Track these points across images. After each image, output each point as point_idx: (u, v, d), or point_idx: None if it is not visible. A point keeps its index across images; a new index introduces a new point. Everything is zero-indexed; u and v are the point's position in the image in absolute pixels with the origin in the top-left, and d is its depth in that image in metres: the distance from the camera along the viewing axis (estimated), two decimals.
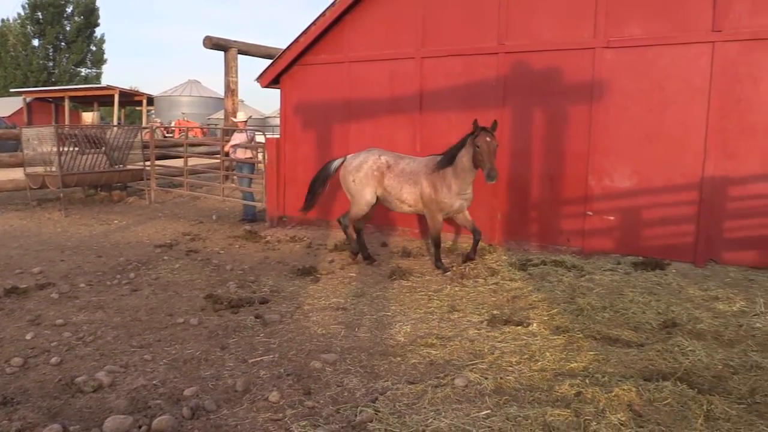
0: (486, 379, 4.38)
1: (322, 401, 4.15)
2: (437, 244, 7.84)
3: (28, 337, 5.37)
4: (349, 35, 10.17)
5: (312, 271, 7.65)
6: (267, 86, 11.08)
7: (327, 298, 6.58)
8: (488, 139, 6.92)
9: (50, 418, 3.97)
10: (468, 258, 7.83)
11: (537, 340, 5.19)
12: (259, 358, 4.91)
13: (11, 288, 6.78)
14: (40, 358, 4.94)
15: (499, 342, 5.19)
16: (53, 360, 4.84)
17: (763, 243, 7.45)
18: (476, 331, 5.47)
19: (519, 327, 5.50)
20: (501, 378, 4.41)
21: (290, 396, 4.22)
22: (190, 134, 25.39)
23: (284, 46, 10.75)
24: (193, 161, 15.83)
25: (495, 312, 5.96)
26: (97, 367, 4.74)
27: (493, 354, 4.92)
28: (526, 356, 4.84)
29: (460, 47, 9.19)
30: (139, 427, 3.82)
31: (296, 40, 10.45)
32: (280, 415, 3.97)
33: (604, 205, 8.31)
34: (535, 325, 5.52)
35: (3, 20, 54.13)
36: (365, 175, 7.99)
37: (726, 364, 4.62)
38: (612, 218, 8.26)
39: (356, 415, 3.91)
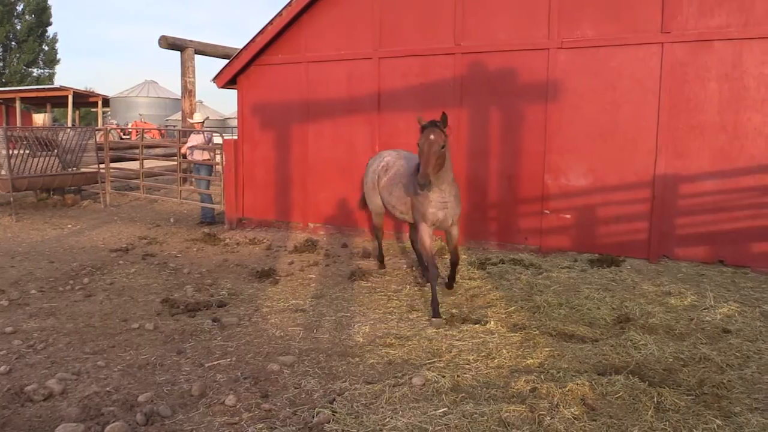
0: (443, 377, 4.41)
1: (279, 403, 4.12)
2: (422, 260, 7.07)
3: None
4: (306, 35, 10.12)
5: (271, 273, 7.59)
6: (224, 87, 10.96)
7: (286, 300, 6.54)
8: (431, 137, 5.62)
9: None
10: (448, 287, 6.76)
11: (494, 337, 5.24)
12: (216, 362, 4.84)
13: None
14: None
15: (457, 340, 5.23)
16: (1, 369, 4.69)
17: (713, 239, 7.68)
18: (434, 330, 5.50)
19: (477, 325, 5.55)
20: (458, 376, 4.45)
21: (247, 399, 4.17)
22: (148, 136, 24.95)
23: (241, 47, 10.64)
24: (149, 163, 15.54)
25: (453, 311, 6.01)
26: (48, 375, 4.62)
27: (450, 352, 4.96)
28: (483, 354, 4.89)
29: (417, 47, 9.24)
30: None
31: (253, 40, 10.36)
32: (237, 418, 3.92)
33: (561, 204, 8.45)
34: (492, 323, 5.57)
35: None
36: (370, 180, 7.43)
37: (676, 357, 4.75)
38: (568, 216, 8.41)
39: (313, 417, 3.89)
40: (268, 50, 10.44)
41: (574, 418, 3.74)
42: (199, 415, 3.99)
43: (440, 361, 4.74)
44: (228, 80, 10.80)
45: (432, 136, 5.61)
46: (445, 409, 3.94)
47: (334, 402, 4.09)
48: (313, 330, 5.59)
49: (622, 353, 4.82)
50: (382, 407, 4.00)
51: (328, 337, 5.41)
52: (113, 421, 3.85)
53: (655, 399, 3.96)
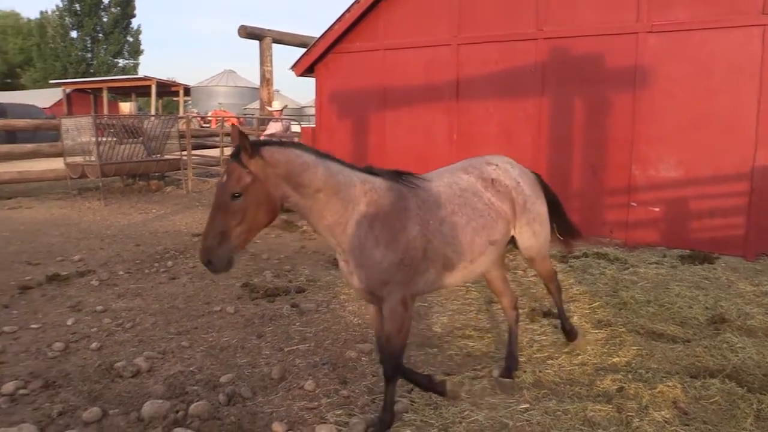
0: (524, 372, 4.28)
1: (357, 390, 4.11)
2: None
3: (69, 322, 5.45)
4: (384, 22, 10.06)
5: None
6: (302, 75, 11.05)
7: None
8: (223, 179, 3.29)
9: (91, 401, 4.01)
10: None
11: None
12: (294, 347, 4.88)
13: (53, 275, 6.90)
14: (80, 343, 5.01)
15: (538, 335, 5.08)
16: (93, 345, 4.90)
17: None
18: None
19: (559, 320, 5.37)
20: (540, 372, 4.31)
21: (326, 385, 4.19)
22: (227, 124, 25.64)
23: (319, 35, 10.70)
24: (229, 151, 15.93)
25: (534, 304, 5.83)
26: (135, 352, 4.78)
27: (531, 347, 4.81)
28: (566, 350, 4.72)
29: (498, 33, 9.00)
30: (177, 412, 3.84)
31: (330, 28, 10.39)
32: (316, 403, 3.94)
33: (649, 196, 8.07)
34: (575, 318, 5.37)
35: (42, 12, 55.38)
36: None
37: None
38: (657, 209, 8.02)
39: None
40: (345, 38, 10.45)
41: (665, 422, 3.55)
42: (278, 398, 4.03)
43: (521, 355, 4.60)
44: (306, 68, 10.89)
45: (224, 179, 3.27)
46: (527, 405, 3.82)
47: (412, 392, 4.04)
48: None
49: (717, 356, 4.53)
50: (462, 399, 3.92)
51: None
52: (197, 400, 3.95)
53: (754, 406, 3.70)
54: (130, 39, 58.81)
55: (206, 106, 38.60)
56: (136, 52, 59.50)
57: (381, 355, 3.64)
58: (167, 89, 38.06)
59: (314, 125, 11.27)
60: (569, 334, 4.70)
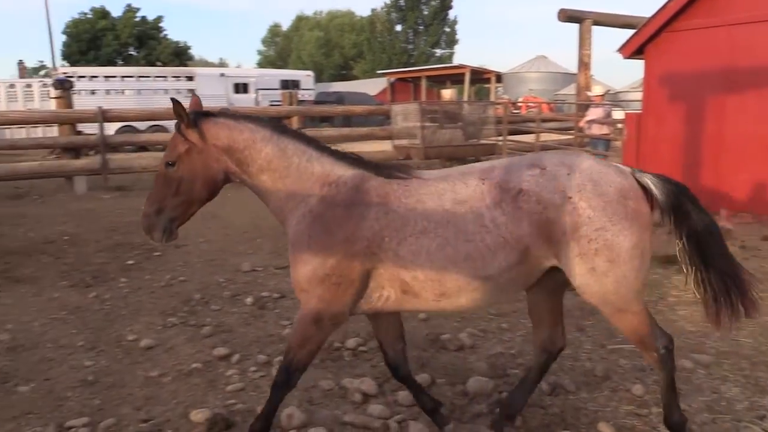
0: None
1: (694, 405, 3.71)
2: None
3: None
4: None
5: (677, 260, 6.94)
6: (629, 57, 10.37)
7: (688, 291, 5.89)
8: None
9: (420, 367, 4.31)
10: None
11: None
12: (618, 346, 4.61)
13: None
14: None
15: None
16: (421, 315, 5.26)
17: None
18: None
19: None
20: None
21: (656, 392, 3.86)
22: (536, 110, 25.55)
23: (642, 14, 9.89)
24: (544, 137, 15.79)
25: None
26: (458, 328, 5.01)
27: None
28: None
29: None
30: (500, 392, 3.91)
31: (664, 6, 9.52)
32: (645, 411, 3.67)
33: None
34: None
35: (372, 10, 61.58)
36: None
37: None
38: None
39: (739, 430, 3.40)
40: (681, 15, 9.47)
41: None
42: (603, 398, 3.85)
43: None
44: (634, 50, 10.18)
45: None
46: None
47: (765, 419, 3.50)
48: (731, 330, 4.91)
49: None
50: None
51: (752, 342, 4.67)
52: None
53: None
54: (447, 30, 62.16)
55: (516, 93, 38.91)
56: (452, 41, 62.70)
57: (283, 359, 3.16)
58: (480, 76, 39.42)
59: (638, 111, 10.50)
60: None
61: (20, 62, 42.66)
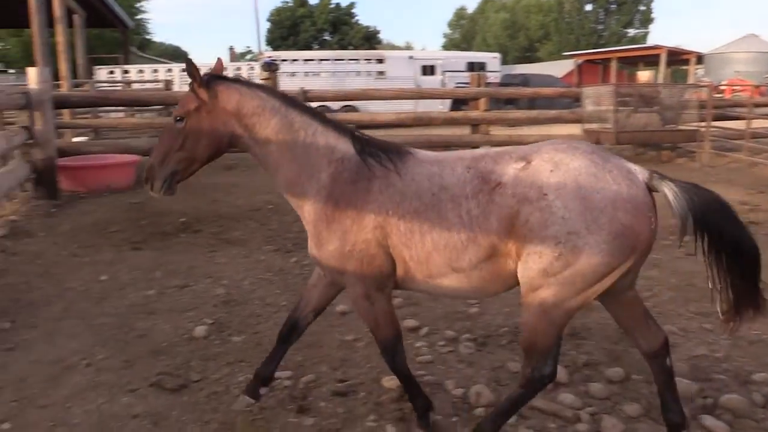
0: None
1: None
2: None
3: None
4: None
5: None
6: None
7: None
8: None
9: (612, 360, 4.14)
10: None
11: None
12: None
13: None
14: None
15: None
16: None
17: None
18: None
19: None
20: None
21: None
22: (744, 94, 23.03)
23: None
24: (756, 123, 14.17)
25: None
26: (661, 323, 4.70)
27: None
28: None
29: None
30: (705, 398, 3.65)
31: None
32: None
33: None
34: None
35: None
36: None
37: None
38: None
39: None
40: None
41: None
42: None
43: None
44: None
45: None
46: None
47: None
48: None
49: None
50: None
51: None
52: (727, 392, 3.67)
53: None
54: (642, 8, 58.04)
55: (720, 75, 35.33)
56: (647, 20, 58.51)
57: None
58: (677, 57, 36.45)
59: None
60: None
61: (231, 48, 46.99)
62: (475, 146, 13.36)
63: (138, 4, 50.72)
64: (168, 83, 20.04)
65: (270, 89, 3.31)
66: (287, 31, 55.36)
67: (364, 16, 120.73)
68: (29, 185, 9.28)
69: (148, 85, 25.65)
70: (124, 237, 7.21)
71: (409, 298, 5.28)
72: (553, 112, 14.08)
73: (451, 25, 78.06)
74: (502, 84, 25.80)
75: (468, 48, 66.05)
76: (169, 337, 4.53)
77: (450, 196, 2.86)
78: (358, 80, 24.64)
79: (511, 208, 2.73)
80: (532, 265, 2.72)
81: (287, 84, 19.36)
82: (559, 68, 42.29)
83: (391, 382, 3.76)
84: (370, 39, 56.92)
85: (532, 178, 2.73)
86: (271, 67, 12.28)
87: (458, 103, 23.81)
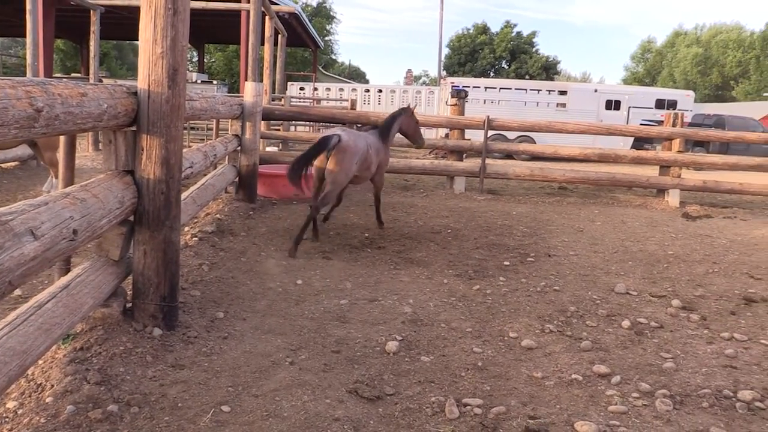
0: None
1: None
2: None
3: None
4: None
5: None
6: None
7: None
8: None
9: None
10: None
11: None
12: None
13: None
14: None
15: None
16: None
17: None
18: None
19: None
20: None
21: None
22: None
23: None
24: None
25: None
26: None
27: None
28: None
29: None
30: None
31: None
32: None
33: None
34: None
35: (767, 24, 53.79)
36: None
37: None
38: None
39: None
40: None
41: None
42: None
43: None
44: None
45: None
46: None
47: None
48: None
49: None
50: None
51: None
52: None
53: None
54: None
55: None
56: None
57: None
58: None
59: None
60: None
61: (408, 71, 48.49)
62: (663, 189, 12.60)
63: (329, 26, 54.23)
64: (353, 102, 21.09)
65: None
66: (465, 58, 56.05)
67: (544, 44, 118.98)
68: (231, 188, 10.23)
69: (332, 103, 27.31)
70: (314, 245, 7.68)
71: (596, 342, 5.10)
72: (757, 159, 12.86)
73: (635, 57, 74.42)
74: (691, 124, 24.07)
75: (650, 83, 62.55)
76: (362, 347, 4.74)
77: None
78: (536, 111, 24.25)
79: None
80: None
81: (468, 110, 19.62)
82: (758, 110, 38.67)
83: (584, 427, 3.65)
84: (548, 69, 55.93)
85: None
86: (460, 93, 12.51)
87: (640, 141, 22.61)
